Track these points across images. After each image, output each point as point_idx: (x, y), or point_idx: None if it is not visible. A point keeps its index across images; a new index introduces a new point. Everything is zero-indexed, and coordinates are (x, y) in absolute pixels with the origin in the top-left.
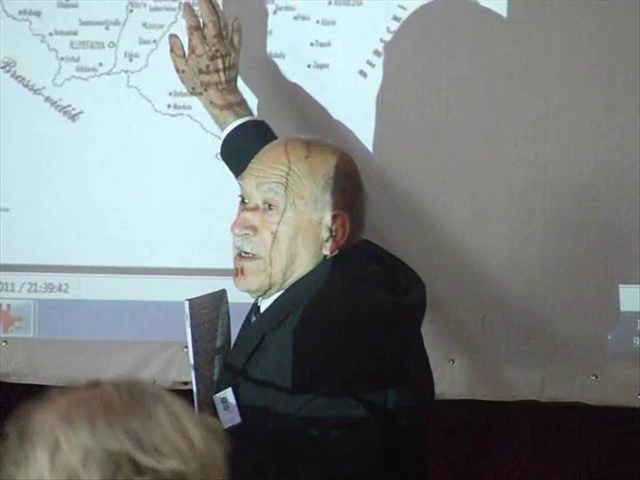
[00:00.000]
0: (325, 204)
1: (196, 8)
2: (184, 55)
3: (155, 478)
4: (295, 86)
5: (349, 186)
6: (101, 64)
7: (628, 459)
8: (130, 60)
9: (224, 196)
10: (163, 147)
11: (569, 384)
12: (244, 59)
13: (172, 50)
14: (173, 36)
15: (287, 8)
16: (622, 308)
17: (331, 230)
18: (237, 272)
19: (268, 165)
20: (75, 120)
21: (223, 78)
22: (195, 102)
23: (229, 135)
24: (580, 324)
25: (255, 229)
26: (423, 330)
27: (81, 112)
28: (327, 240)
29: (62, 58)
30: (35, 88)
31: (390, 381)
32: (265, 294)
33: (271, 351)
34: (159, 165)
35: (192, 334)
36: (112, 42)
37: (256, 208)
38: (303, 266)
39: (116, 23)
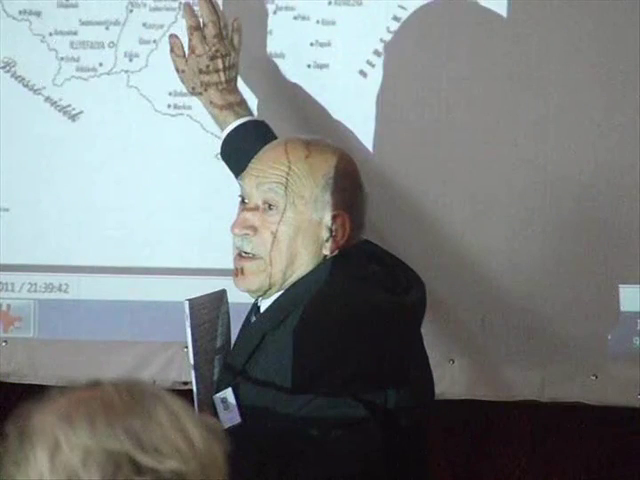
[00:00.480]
0: (325, 204)
1: (196, 8)
2: (184, 55)
3: (155, 478)
4: (295, 86)
5: (349, 186)
6: (101, 64)
7: (628, 459)
8: (130, 60)
9: (224, 196)
10: (163, 147)
11: (569, 384)
12: (244, 59)
13: (172, 50)
14: (173, 36)
15: (287, 8)
16: (622, 308)
17: (331, 230)
18: (237, 272)
19: (268, 165)
20: (75, 120)
21: (223, 78)
22: (195, 102)
23: (229, 135)
24: (580, 324)
25: (255, 229)
26: (423, 330)
27: (81, 112)
28: (327, 240)
29: (62, 58)
30: (35, 88)
31: (390, 381)
32: (265, 294)
33: (271, 351)
34: (159, 165)
35: (192, 334)
36: (112, 42)
37: (256, 208)
38: (303, 266)
39: (116, 23)
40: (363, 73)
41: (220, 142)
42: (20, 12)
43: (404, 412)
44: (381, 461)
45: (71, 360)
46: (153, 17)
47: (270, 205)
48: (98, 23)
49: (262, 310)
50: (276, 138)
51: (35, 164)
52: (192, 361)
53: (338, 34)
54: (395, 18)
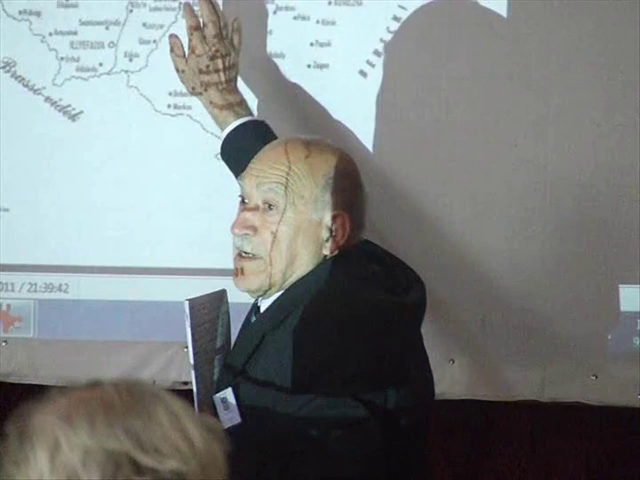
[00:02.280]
0: (325, 204)
1: (196, 8)
2: (184, 55)
3: (155, 478)
4: (295, 86)
5: (349, 186)
6: (101, 64)
7: (628, 459)
8: (130, 60)
9: (224, 196)
10: (163, 147)
11: (569, 384)
12: (244, 59)
13: (172, 50)
14: (173, 36)
15: (287, 8)
16: (622, 308)
17: (331, 230)
18: (237, 272)
19: (268, 165)
20: (75, 120)
21: (223, 78)
22: (195, 102)
23: (229, 135)
24: (580, 324)
25: (255, 229)
26: (423, 330)
27: (81, 112)
28: (327, 240)
29: (62, 58)
30: (35, 88)
31: (390, 381)
32: (265, 294)
33: (271, 351)
34: (159, 165)
35: (192, 334)
36: (112, 42)
37: (256, 208)
38: (303, 266)
39: (116, 23)
40: (363, 73)
41: (220, 142)
42: (20, 12)
43: (404, 412)
44: (381, 461)
45: (71, 360)
46: (153, 17)
47: (270, 205)
48: (98, 23)
49: (262, 310)
50: (276, 138)
51: (35, 164)
52: (192, 361)
53: (338, 34)
54: (395, 18)
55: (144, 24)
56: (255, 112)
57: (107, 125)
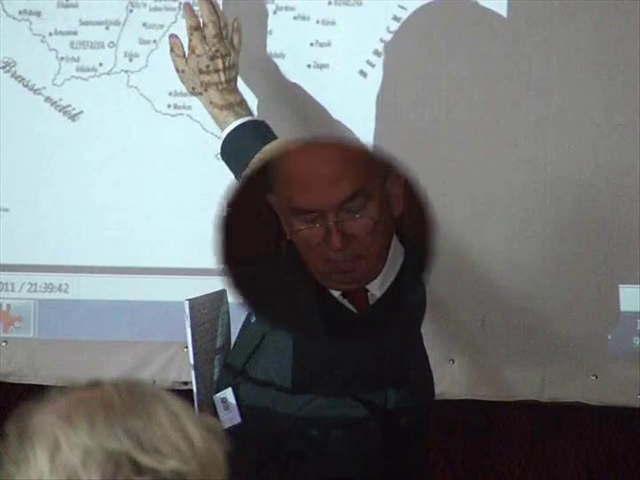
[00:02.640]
0: None
1: (196, 8)
2: (184, 55)
3: (155, 478)
4: (295, 86)
5: None
6: (101, 64)
7: (628, 459)
8: (130, 60)
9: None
10: (163, 147)
11: (569, 384)
12: (244, 59)
13: (172, 50)
14: (173, 36)
15: (287, 8)
16: (622, 308)
17: None
18: None
19: None
20: (75, 120)
21: (223, 78)
22: (195, 102)
23: (229, 135)
24: (580, 324)
25: None
26: (423, 330)
27: (81, 112)
28: None
29: (62, 58)
30: (35, 88)
31: (390, 381)
32: None
33: (271, 351)
34: (159, 165)
35: (192, 334)
36: (112, 42)
37: None
38: None
39: (116, 23)
40: (363, 73)
41: (220, 142)
42: (20, 12)
43: (404, 412)
44: (381, 461)
45: (71, 360)
46: (153, 17)
47: None
48: (98, 23)
49: None
50: (276, 138)
51: (35, 164)
52: (192, 361)
53: (338, 34)
54: (395, 18)
55: (144, 24)
56: (255, 112)
57: (107, 125)
